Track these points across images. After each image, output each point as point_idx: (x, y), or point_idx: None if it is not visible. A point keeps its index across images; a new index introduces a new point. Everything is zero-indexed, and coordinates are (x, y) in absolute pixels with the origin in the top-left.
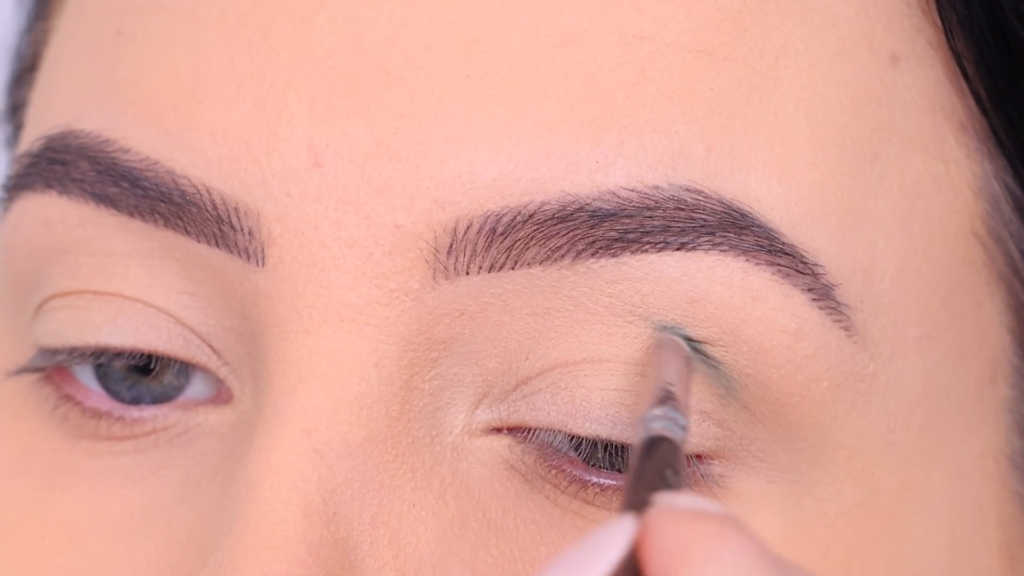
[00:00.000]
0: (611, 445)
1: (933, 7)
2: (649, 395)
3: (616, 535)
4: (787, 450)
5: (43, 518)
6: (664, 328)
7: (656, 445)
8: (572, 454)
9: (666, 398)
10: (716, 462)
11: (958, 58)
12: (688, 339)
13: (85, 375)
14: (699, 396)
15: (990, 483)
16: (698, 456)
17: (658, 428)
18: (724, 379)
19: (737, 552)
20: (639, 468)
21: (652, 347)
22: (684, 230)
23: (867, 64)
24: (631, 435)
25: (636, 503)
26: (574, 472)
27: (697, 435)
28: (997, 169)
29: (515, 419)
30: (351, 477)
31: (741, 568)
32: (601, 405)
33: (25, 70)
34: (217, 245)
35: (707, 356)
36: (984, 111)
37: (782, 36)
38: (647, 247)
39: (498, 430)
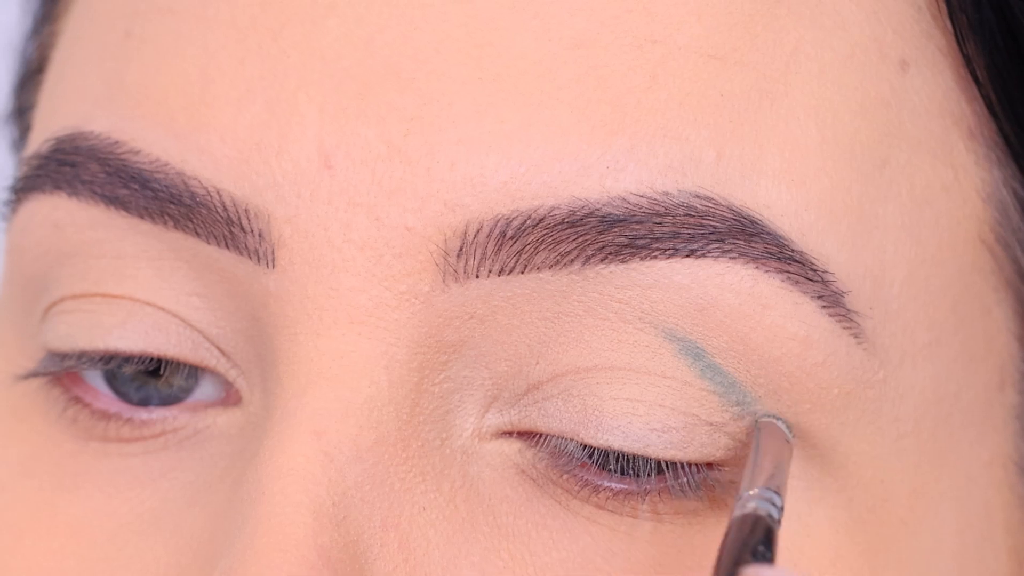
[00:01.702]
0: (623, 455)
1: (943, 12)
2: (749, 474)
3: None
4: (798, 457)
5: (52, 520)
6: (767, 415)
7: (753, 524)
8: (585, 459)
9: (767, 479)
10: (727, 469)
11: (968, 63)
12: (712, 359)
13: (94, 377)
14: (711, 409)
15: (998, 489)
16: (708, 464)
17: (753, 508)
18: (739, 394)
19: None
20: (732, 543)
21: (755, 429)
22: (694, 237)
23: (877, 69)
24: (643, 447)
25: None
26: (586, 477)
27: (709, 446)
28: (1006, 176)
29: (526, 424)
30: (361, 480)
31: None
32: (613, 415)
33: (32, 72)
34: (227, 247)
35: (722, 372)
36: (994, 116)
37: (793, 41)
38: (657, 253)
39: (508, 434)
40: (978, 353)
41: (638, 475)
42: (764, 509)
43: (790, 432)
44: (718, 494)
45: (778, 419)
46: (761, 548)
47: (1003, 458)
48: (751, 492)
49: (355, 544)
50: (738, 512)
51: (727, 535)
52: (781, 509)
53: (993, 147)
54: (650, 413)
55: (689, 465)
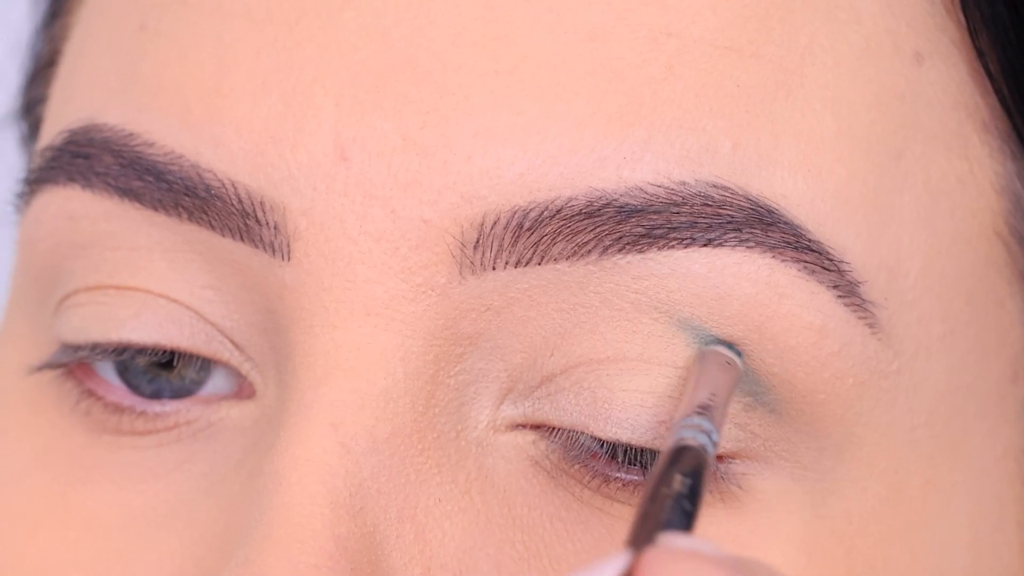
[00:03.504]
0: (631, 449)
1: (957, 5)
2: (685, 404)
3: (607, 570)
4: (812, 448)
5: (66, 512)
6: (713, 341)
7: (681, 454)
8: (597, 451)
9: (702, 409)
10: (737, 461)
11: (982, 56)
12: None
13: (105, 370)
14: None
15: (1011, 482)
16: (718, 457)
17: (686, 438)
18: (751, 384)
19: None
20: (659, 477)
21: (697, 357)
22: (711, 226)
23: (892, 62)
24: (652, 439)
25: (646, 523)
26: (598, 468)
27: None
28: (1019, 168)
29: (539, 417)
30: (377, 471)
31: None
32: (622, 407)
33: (43, 66)
34: (242, 239)
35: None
36: (1007, 110)
37: (808, 33)
38: (674, 243)
39: (522, 426)
40: (991, 345)
41: (646, 467)
42: (690, 437)
43: (739, 356)
44: (729, 487)
45: (725, 344)
46: (680, 477)
47: (1016, 451)
48: (687, 422)
49: (372, 535)
50: (671, 443)
51: (657, 467)
52: (716, 443)
53: (1007, 140)
54: (659, 405)
55: None
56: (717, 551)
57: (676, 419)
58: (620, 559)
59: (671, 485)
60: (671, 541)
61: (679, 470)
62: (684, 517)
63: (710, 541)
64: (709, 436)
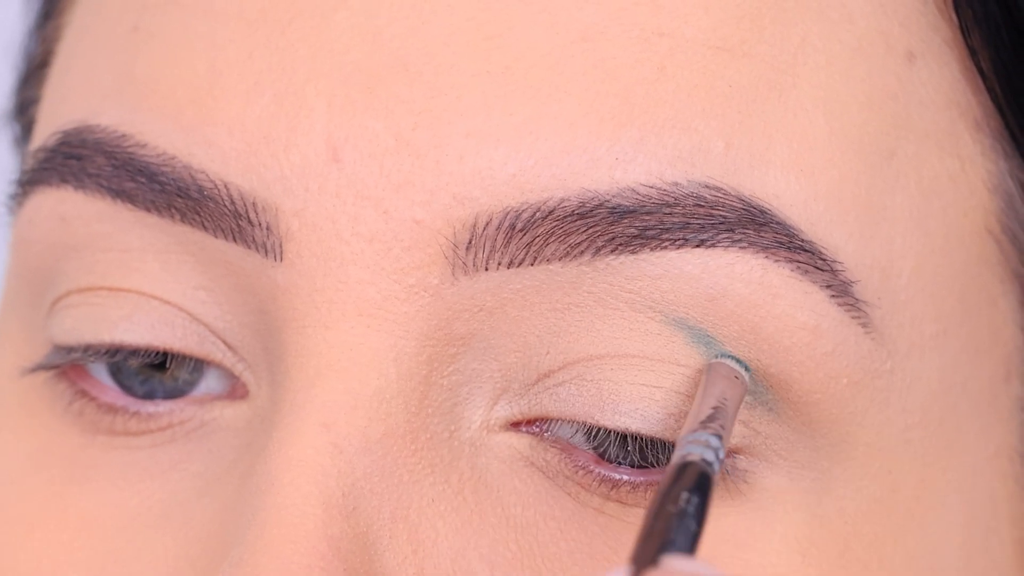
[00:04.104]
0: (640, 439)
1: (949, 4)
2: (691, 419)
3: None
4: (808, 448)
5: (61, 513)
6: (720, 353)
7: (687, 471)
8: (592, 451)
9: (707, 421)
10: (742, 456)
11: (974, 55)
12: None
13: (98, 371)
14: None
15: (1004, 481)
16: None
17: (693, 453)
18: (751, 383)
19: None
20: (664, 493)
21: (704, 370)
22: (703, 227)
23: (884, 61)
24: (662, 430)
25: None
26: (597, 469)
27: None
28: (1012, 167)
29: (537, 411)
30: (370, 472)
31: None
32: (630, 398)
33: (36, 67)
34: (234, 240)
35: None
36: (999, 108)
37: (800, 33)
38: (666, 244)
39: (516, 425)
40: (984, 344)
41: (649, 462)
42: (697, 453)
43: (747, 370)
44: (733, 482)
45: (731, 357)
46: (686, 494)
47: (1008, 450)
48: (686, 437)
49: (365, 535)
50: (675, 459)
51: (663, 483)
52: (718, 450)
53: (999, 138)
54: (668, 399)
55: None
56: (718, 575)
57: (683, 434)
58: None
59: (677, 502)
60: (673, 563)
61: (685, 487)
62: (688, 536)
63: (711, 565)
64: (716, 452)
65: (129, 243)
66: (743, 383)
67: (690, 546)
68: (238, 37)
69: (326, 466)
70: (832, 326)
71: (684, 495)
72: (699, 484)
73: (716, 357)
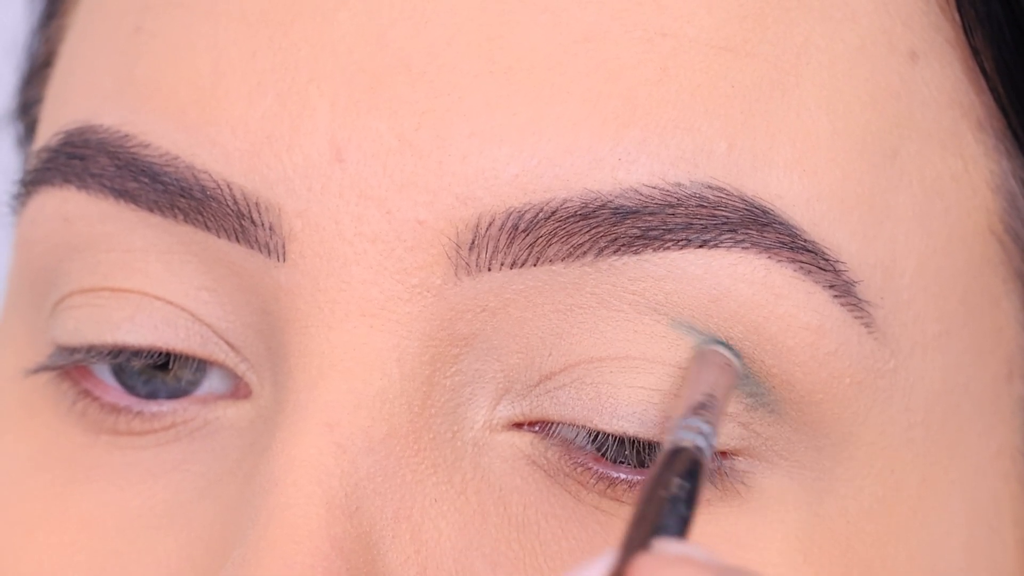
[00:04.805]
0: (638, 442)
1: (952, 4)
2: (682, 405)
3: (593, 571)
4: (810, 448)
5: (64, 513)
6: (711, 341)
7: (678, 456)
8: (594, 450)
9: (700, 410)
10: (741, 458)
11: (976, 55)
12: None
13: (101, 371)
14: None
15: (1006, 481)
16: (722, 453)
17: (683, 439)
18: (752, 385)
19: None
20: (655, 479)
21: (694, 356)
22: (706, 227)
23: (886, 61)
24: (660, 433)
25: (641, 526)
26: (596, 467)
27: (722, 435)
28: (1014, 167)
29: (538, 414)
30: (373, 472)
31: None
32: (628, 402)
33: (38, 67)
34: (237, 240)
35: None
36: (1002, 108)
37: (803, 33)
38: (669, 245)
39: (519, 426)
40: (987, 344)
41: (647, 465)
42: (689, 440)
43: (738, 358)
44: (731, 484)
45: (722, 344)
46: (678, 480)
47: (1011, 449)
48: (683, 423)
49: (367, 535)
50: (667, 445)
51: (653, 469)
52: (711, 445)
53: (1002, 138)
54: (667, 403)
55: None
56: (709, 557)
57: (673, 420)
58: (605, 559)
59: (668, 487)
60: (664, 547)
61: (676, 472)
62: (679, 521)
63: (702, 547)
64: (707, 438)
65: (132, 243)
66: (733, 369)
67: (681, 530)
68: (241, 37)
69: (329, 466)
70: (835, 326)
71: (676, 481)
72: (690, 470)
73: (706, 344)
